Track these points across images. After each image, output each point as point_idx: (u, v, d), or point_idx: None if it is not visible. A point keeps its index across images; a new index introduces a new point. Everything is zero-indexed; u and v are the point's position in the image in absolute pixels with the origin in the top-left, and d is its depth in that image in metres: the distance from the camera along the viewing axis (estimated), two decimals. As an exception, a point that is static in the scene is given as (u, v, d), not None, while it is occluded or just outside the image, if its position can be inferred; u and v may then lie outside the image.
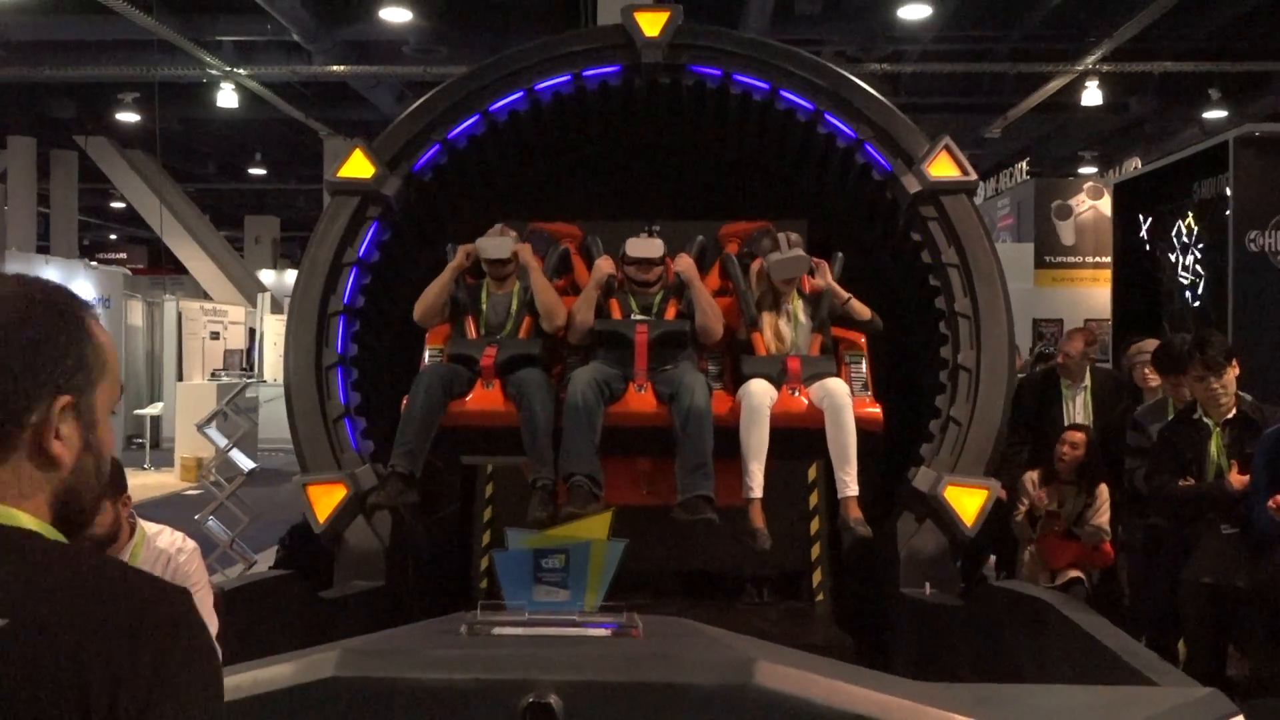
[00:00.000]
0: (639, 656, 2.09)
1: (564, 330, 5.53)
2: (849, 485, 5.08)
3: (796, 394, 5.23)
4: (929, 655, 4.87)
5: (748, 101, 6.02)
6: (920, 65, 16.58)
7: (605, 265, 5.60)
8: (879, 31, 15.26)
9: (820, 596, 6.03)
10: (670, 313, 5.55)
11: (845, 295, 5.54)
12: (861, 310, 5.53)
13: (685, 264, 5.59)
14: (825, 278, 5.54)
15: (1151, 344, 6.70)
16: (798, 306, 5.53)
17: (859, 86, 5.93)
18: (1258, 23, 14.61)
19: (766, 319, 5.52)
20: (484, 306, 5.60)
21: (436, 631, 2.40)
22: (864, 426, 5.15)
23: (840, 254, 5.77)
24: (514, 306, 5.56)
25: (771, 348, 5.46)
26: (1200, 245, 8.88)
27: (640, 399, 5.23)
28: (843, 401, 5.08)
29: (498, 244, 5.59)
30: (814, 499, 6.13)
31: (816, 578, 6.06)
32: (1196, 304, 8.80)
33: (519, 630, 2.20)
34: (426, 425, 5.13)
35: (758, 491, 5.09)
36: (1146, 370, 6.35)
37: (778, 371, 5.28)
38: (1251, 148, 8.02)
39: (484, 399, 5.26)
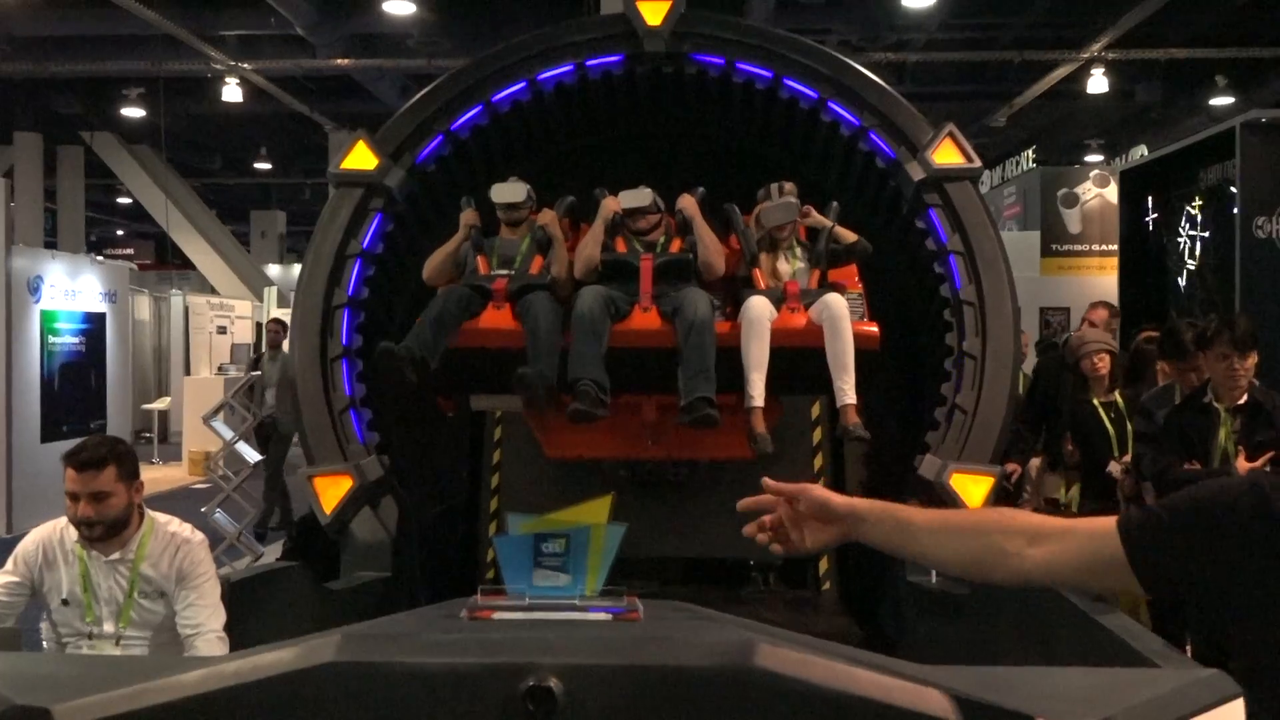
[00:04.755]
0: (639, 639, 2.09)
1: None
2: (847, 394, 5.17)
3: (796, 312, 5.34)
4: (935, 642, 4.87)
5: (751, 90, 6.01)
6: (925, 54, 16.54)
7: (611, 204, 5.71)
8: (883, 20, 15.23)
9: (826, 584, 6.03)
10: (674, 249, 5.67)
11: (830, 223, 5.64)
12: (847, 234, 5.62)
13: (687, 202, 5.72)
14: (815, 215, 5.65)
15: (1094, 334, 6.77)
16: (795, 250, 5.64)
17: (862, 74, 5.92)
18: (1265, 9, 14.54)
19: (765, 257, 5.62)
20: (496, 244, 5.71)
21: (436, 617, 2.40)
22: (862, 345, 5.23)
23: (835, 203, 5.81)
24: (524, 246, 5.68)
25: (770, 284, 5.55)
26: (1207, 232, 8.85)
27: (645, 317, 5.35)
28: (840, 313, 5.20)
29: (512, 188, 5.74)
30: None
31: (823, 565, 6.05)
32: (1202, 291, 8.77)
33: (519, 615, 2.20)
34: (441, 323, 5.22)
35: (759, 400, 5.19)
36: (1096, 360, 6.42)
37: (777, 297, 5.39)
38: (1258, 134, 7.99)
39: (495, 318, 5.37)
